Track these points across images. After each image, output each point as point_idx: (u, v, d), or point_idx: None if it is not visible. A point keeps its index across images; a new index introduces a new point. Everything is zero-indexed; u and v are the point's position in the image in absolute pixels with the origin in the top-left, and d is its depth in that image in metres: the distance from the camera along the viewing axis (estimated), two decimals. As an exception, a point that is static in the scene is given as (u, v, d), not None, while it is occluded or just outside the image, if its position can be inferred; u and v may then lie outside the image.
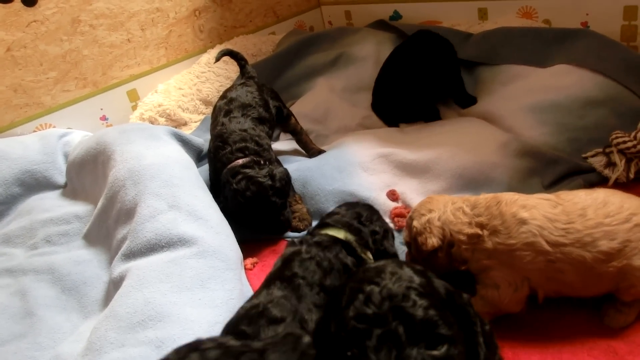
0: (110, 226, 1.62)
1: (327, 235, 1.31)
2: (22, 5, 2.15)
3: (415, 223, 1.40)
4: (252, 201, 1.65)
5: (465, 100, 2.27)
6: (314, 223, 1.66)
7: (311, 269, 1.18)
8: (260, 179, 1.66)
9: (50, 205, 1.90)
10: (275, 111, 2.00)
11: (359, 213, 1.41)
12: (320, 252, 1.24)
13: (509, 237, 1.25)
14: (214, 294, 1.30)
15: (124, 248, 1.46)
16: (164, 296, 1.26)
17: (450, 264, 1.38)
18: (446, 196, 1.45)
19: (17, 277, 1.59)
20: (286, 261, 1.23)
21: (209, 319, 1.23)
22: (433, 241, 1.34)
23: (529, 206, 1.28)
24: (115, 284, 1.40)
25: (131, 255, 1.43)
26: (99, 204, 1.70)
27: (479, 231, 1.30)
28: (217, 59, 2.15)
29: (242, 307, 1.15)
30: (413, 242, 1.40)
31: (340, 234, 1.32)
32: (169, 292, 1.28)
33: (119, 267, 1.42)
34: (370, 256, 1.31)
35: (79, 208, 1.83)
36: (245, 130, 1.79)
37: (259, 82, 2.07)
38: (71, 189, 1.98)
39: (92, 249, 1.66)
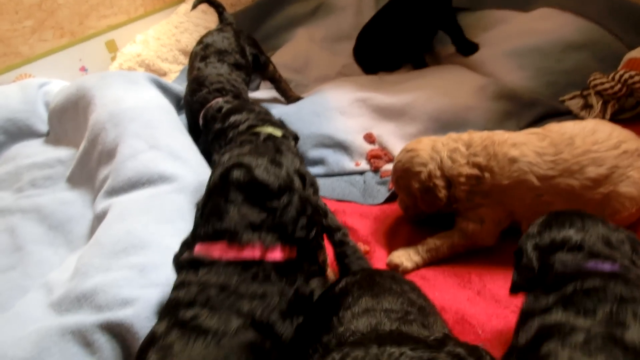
0: (93, 167, 1.67)
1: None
2: (-6, -49, 2.12)
3: (414, 183, 1.39)
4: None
5: (466, 48, 2.21)
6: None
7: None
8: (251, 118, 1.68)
9: (33, 151, 1.94)
10: (252, 58, 2.02)
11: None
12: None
13: (503, 177, 1.28)
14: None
15: (106, 186, 1.52)
16: (145, 227, 1.32)
17: (447, 207, 1.39)
18: (432, 139, 1.45)
19: (5, 217, 1.64)
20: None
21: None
22: (442, 195, 1.36)
23: (518, 144, 1.30)
24: (99, 219, 1.46)
25: (113, 192, 1.49)
26: (81, 147, 1.74)
27: (478, 172, 1.31)
28: (194, 6, 2.15)
29: None
30: (422, 197, 1.40)
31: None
32: (150, 223, 1.34)
33: (102, 203, 1.48)
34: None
35: (62, 153, 1.87)
36: (221, 75, 1.82)
37: (236, 29, 2.08)
38: (54, 136, 2.01)
39: (76, 191, 1.72)
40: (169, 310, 0.93)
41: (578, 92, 1.78)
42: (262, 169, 1.02)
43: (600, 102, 1.67)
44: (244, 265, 0.94)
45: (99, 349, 1.06)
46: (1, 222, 1.62)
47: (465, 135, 1.39)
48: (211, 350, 0.83)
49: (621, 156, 1.25)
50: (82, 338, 1.07)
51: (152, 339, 0.89)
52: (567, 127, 1.32)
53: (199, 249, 0.98)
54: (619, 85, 1.65)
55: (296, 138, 1.59)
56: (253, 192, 1.00)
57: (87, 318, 1.10)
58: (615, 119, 1.70)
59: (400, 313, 0.83)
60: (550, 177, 1.26)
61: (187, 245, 1.06)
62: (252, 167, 1.02)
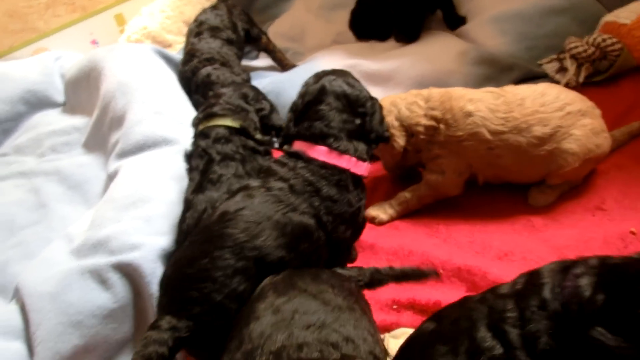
0: (105, 133, 1.84)
1: (219, 127, 1.44)
2: None
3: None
4: None
5: (454, 21, 2.26)
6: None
7: (232, 165, 1.37)
8: (234, 76, 1.85)
9: (52, 119, 2.12)
10: (244, 33, 2.17)
11: (245, 94, 1.54)
12: (226, 147, 1.40)
13: (458, 129, 1.40)
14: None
15: (117, 149, 1.69)
16: (151, 184, 1.49)
17: (415, 157, 1.51)
18: (392, 95, 1.56)
19: (30, 179, 1.84)
20: (204, 170, 1.39)
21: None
22: (400, 143, 1.46)
23: (475, 99, 1.41)
24: (111, 178, 1.64)
25: (123, 154, 1.66)
26: (94, 115, 1.91)
27: (434, 124, 1.42)
28: None
29: (189, 217, 1.32)
30: (382, 149, 1.51)
31: (228, 122, 1.45)
32: (155, 180, 1.50)
33: (114, 164, 1.66)
34: (261, 135, 1.49)
35: (77, 120, 2.05)
36: (212, 48, 1.98)
37: (230, 5, 2.22)
38: (69, 106, 2.19)
39: (91, 154, 1.90)
40: (265, 173, 1.18)
41: (555, 56, 1.85)
42: (349, 82, 1.27)
43: (574, 65, 1.76)
44: (333, 171, 1.16)
45: (112, 285, 1.24)
46: (27, 183, 1.82)
47: (425, 91, 1.49)
48: (278, 214, 1.08)
49: (565, 117, 1.37)
50: (98, 276, 1.26)
51: (245, 187, 1.15)
52: (521, 89, 1.43)
53: (300, 146, 1.20)
54: (592, 49, 1.74)
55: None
56: (349, 101, 1.23)
57: (101, 260, 1.28)
58: (589, 81, 1.79)
59: (313, 318, 0.82)
60: (500, 133, 1.38)
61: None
62: (344, 81, 1.26)
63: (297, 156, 1.18)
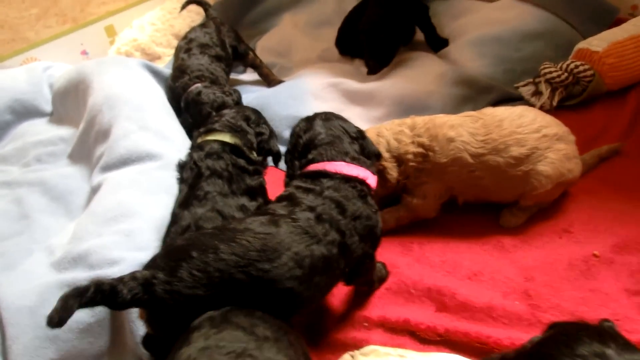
0: (90, 146, 1.87)
1: (215, 142, 1.48)
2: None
3: None
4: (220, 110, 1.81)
5: (436, 43, 2.32)
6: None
7: (218, 182, 1.41)
8: (224, 95, 1.89)
9: (39, 130, 2.15)
10: (232, 50, 2.23)
11: (247, 116, 1.58)
12: (216, 164, 1.43)
13: (442, 155, 1.44)
14: (174, 198, 1.57)
15: (101, 162, 1.72)
16: (133, 198, 1.52)
17: (401, 184, 1.53)
18: (376, 127, 1.59)
19: (13, 189, 1.86)
20: (193, 184, 1.43)
21: (169, 217, 1.49)
22: (393, 175, 1.49)
23: (455, 125, 1.45)
24: (94, 191, 1.66)
25: (107, 167, 1.69)
26: (80, 127, 1.94)
27: (423, 150, 1.46)
28: (183, 7, 2.41)
29: (173, 232, 1.36)
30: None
31: (227, 138, 1.49)
32: (137, 195, 1.53)
33: (97, 177, 1.68)
34: (256, 155, 1.53)
35: (64, 132, 2.08)
36: (202, 64, 2.02)
37: (218, 23, 2.28)
38: (57, 116, 2.21)
39: (76, 166, 1.92)
40: (289, 201, 1.16)
41: (531, 80, 1.92)
42: (337, 116, 1.38)
43: (549, 90, 1.82)
44: (355, 183, 1.20)
45: (90, 300, 1.27)
46: (10, 193, 1.84)
47: (408, 120, 1.53)
48: (301, 246, 1.06)
49: (541, 139, 1.41)
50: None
51: (271, 213, 1.13)
52: (499, 111, 1.48)
53: (317, 166, 1.23)
54: (565, 74, 1.80)
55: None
56: (344, 128, 1.31)
57: (81, 274, 1.30)
58: (562, 105, 1.85)
59: (236, 346, 0.87)
60: (480, 155, 1.42)
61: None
62: (333, 115, 1.37)
63: (319, 174, 1.20)
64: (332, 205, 1.13)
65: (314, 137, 1.28)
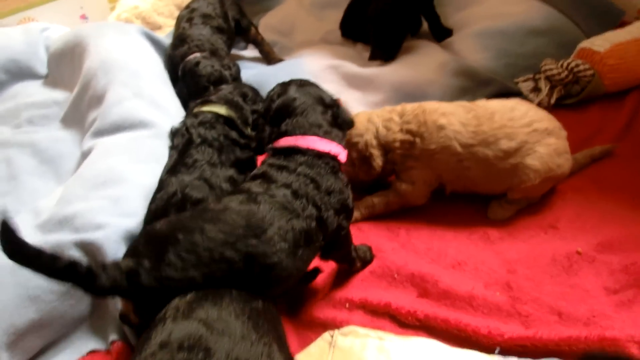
0: (84, 110, 1.85)
1: (209, 112, 1.49)
2: None
3: (352, 153, 1.51)
4: (218, 84, 1.81)
5: (440, 33, 2.29)
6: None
7: (208, 151, 1.40)
8: (222, 69, 1.87)
9: (33, 91, 2.12)
10: (234, 23, 2.20)
11: (245, 93, 1.58)
12: (208, 133, 1.43)
13: (431, 142, 1.44)
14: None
15: (93, 128, 1.70)
16: (123, 165, 1.51)
17: (388, 169, 1.55)
18: (368, 112, 1.59)
19: (3, 149, 1.84)
20: (183, 151, 1.42)
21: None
22: (378, 162, 1.50)
23: (447, 113, 1.45)
24: (84, 156, 1.65)
25: (99, 133, 1.68)
26: (75, 91, 1.92)
27: (410, 138, 1.46)
28: None
29: (159, 198, 1.35)
30: (359, 166, 1.54)
31: (222, 110, 1.50)
32: (128, 162, 1.52)
33: (89, 142, 1.67)
34: (250, 131, 1.53)
35: (58, 95, 2.05)
36: (202, 35, 2.00)
37: None
38: (51, 79, 2.19)
39: (68, 130, 1.91)
40: (263, 179, 1.17)
41: (531, 76, 1.91)
42: (312, 83, 1.36)
43: (547, 87, 1.81)
44: (327, 159, 1.20)
45: (74, 262, 1.27)
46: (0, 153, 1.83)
47: (398, 107, 1.53)
48: (282, 221, 1.08)
49: (531, 133, 1.41)
50: (61, 253, 1.27)
51: (246, 191, 1.13)
52: (492, 104, 1.47)
53: (289, 141, 1.21)
54: (565, 72, 1.79)
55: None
56: (318, 96, 1.30)
57: (66, 237, 1.30)
58: (560, 103, 1.85)
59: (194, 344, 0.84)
60: (470, 145, 1.42)
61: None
62: (307, 82, 1.35)
63: (293, 150, 1.20)
64: (307, 181, 1.15)
65: (288, 102, 1.27)
